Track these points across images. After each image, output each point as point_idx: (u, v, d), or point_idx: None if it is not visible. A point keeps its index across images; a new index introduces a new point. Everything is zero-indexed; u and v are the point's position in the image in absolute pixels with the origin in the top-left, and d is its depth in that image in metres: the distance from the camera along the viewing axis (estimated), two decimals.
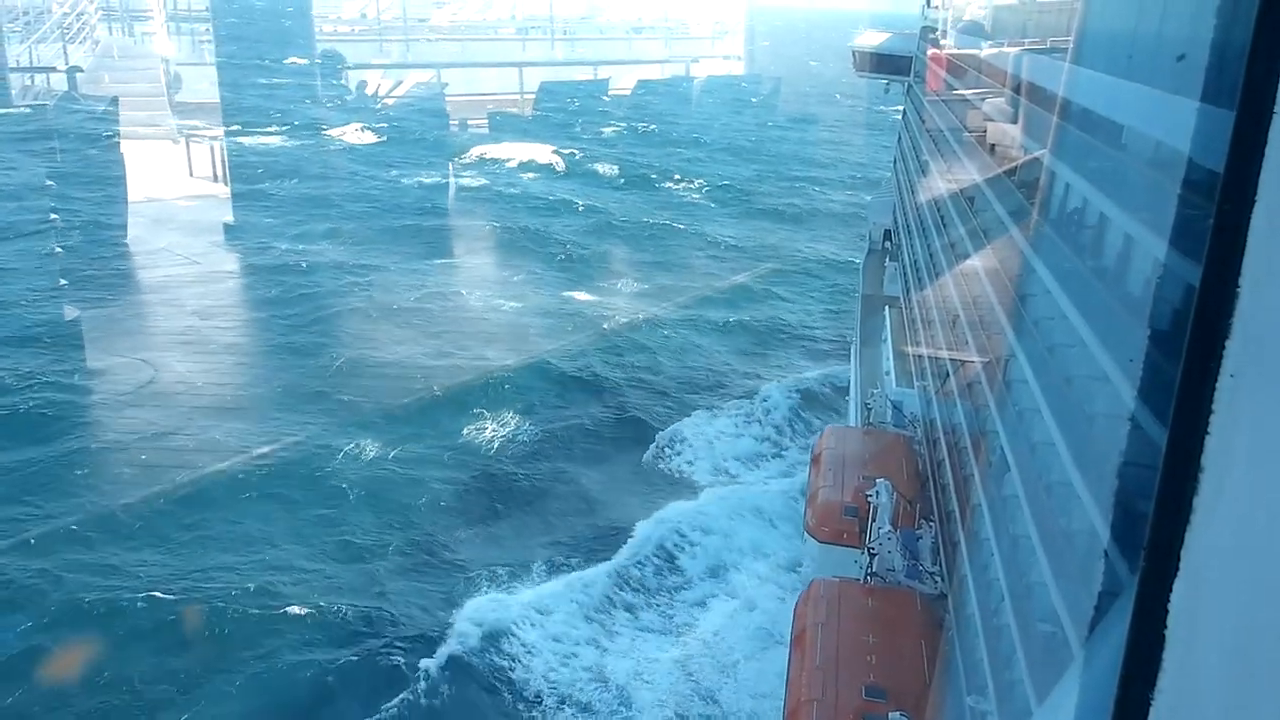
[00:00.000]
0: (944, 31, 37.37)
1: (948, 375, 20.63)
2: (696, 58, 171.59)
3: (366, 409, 37.74)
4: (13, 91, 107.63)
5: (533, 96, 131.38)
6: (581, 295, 52.73)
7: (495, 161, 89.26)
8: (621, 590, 28.02)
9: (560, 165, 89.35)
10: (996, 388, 14.98)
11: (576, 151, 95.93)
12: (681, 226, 68.53)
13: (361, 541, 29.71)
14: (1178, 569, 2.07)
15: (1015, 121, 19.27)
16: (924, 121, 35.95)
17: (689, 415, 39.21)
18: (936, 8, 41.32)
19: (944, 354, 21.52)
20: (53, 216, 61.80)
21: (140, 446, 34.29)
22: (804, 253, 64.69)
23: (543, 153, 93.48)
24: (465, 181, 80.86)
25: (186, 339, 44.34)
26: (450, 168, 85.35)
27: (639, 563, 29.11)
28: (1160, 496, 2.10)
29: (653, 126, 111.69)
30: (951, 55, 33.09)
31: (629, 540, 29.99)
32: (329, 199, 72.70)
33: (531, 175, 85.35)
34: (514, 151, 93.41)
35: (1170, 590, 2.08)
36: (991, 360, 16.05)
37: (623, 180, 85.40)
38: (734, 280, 57.19)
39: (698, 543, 30.09)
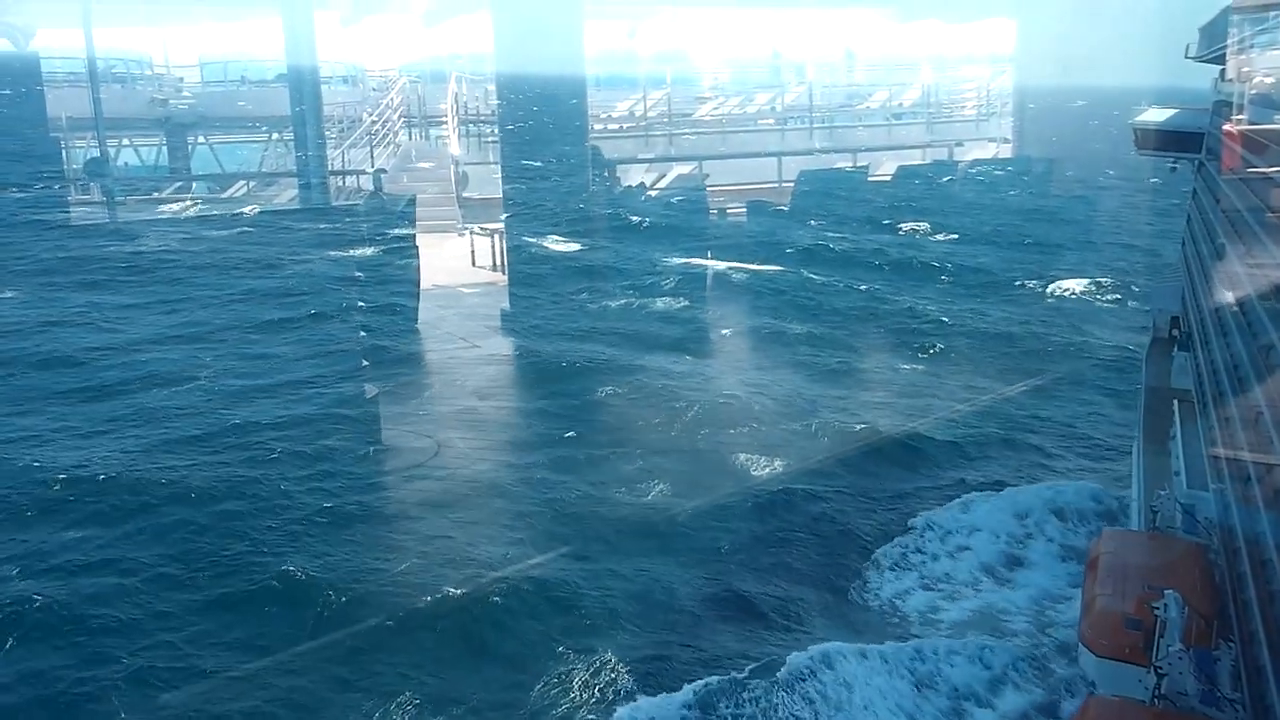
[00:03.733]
0: (1239, 105, 34.86)
1: (1250, 479, 18.68)
2: (960, 141, 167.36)
3: (614, 511, 37.73)
4: (330, 192, 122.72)
5: (791, 185, 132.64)
6: (833, 394, 51.87)
7: (749, 252, 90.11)
8: None
9: (814, 255, 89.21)
10: None
11: (831, 240, 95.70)
12: (937, 328, 65.58)
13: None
14: None
15: None
16: (1219, 201, 33.39)
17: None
18: (1232, 80, 38.58)
19: (1248, 455, 19.52)
20: (360, 304, 69.35)
21: (417, 521, 36.79)
22: (1079, 352, 60.35)
23: (796, 243, 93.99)
24: (721, 275, 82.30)
25: (466, 418, 47.85)
26: (707, 259, 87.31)
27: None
28: None
29: (917, 225, 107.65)
30: (1247, 130, 30.80)
31: None
32: (593, 290, 76.47)
33: (781, 266, 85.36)
34: (767, 241, 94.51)
35: None
36: None
37: (879, 271, 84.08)
38: (1001, 392, 53.26)
39: None
